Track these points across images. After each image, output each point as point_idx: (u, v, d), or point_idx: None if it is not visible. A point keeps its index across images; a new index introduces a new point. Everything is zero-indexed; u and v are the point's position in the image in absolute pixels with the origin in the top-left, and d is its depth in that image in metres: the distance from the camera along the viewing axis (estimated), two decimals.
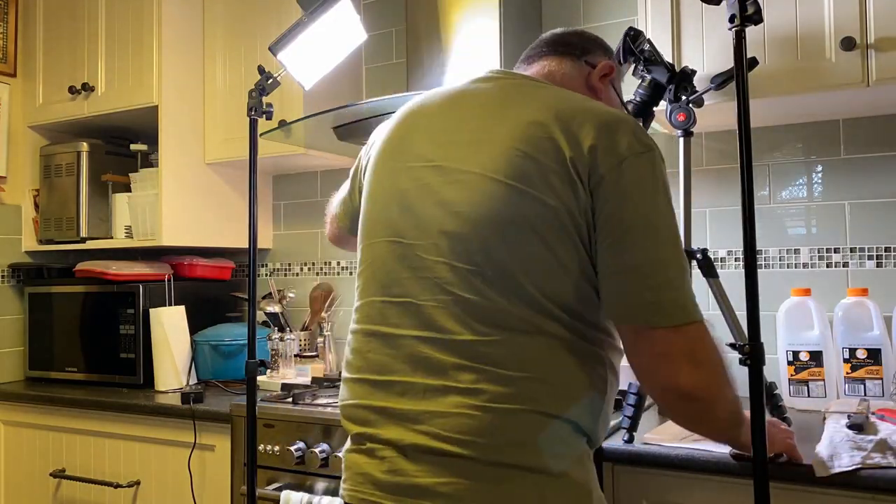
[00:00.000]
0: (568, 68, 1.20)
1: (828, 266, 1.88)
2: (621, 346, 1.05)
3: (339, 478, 1.13)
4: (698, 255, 1.52)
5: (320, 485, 1.75)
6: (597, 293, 1.00)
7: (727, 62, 1.53)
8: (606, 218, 0.97)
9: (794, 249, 1.92)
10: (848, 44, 1.53)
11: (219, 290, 2.64)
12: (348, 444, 1.10)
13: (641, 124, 1.58)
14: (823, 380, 1.68)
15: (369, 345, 1.06)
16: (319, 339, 2.42)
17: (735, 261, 1.98)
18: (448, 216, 1.01)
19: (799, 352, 1.70)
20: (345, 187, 1.36)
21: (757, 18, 1.14)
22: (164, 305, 2.36)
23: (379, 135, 1.19)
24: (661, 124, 1.85)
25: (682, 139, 1.56)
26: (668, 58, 1.60)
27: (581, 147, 0.97)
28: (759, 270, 1.19)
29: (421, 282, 1.01)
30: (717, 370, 1.01)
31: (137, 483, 2.11)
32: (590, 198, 0.97)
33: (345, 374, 1.11)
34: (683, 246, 1.03)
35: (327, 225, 1.47)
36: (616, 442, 1.45)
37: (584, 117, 1.00)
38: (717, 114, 1.74)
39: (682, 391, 0.97)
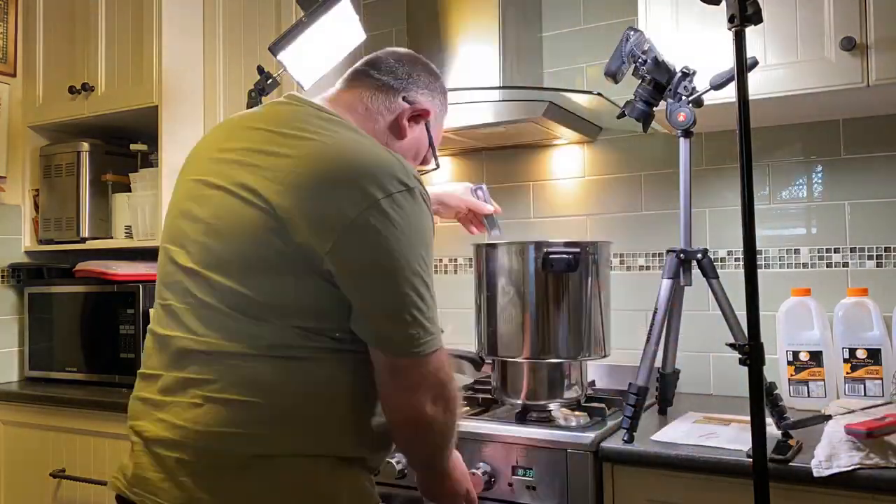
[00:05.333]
0: (378, 104, 1.20)
1: (828, 266, 1.88)
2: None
3: None
4: (698, 255, 1.52)
5: None
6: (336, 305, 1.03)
7: (727, 62, 1.53)
8: (347, 265, 1.00)
9: (794, 249, 1.92)
10: (848, 44, 1.53)
11: None
12: None
13: (642, 122, 1.58)
14: (823, 380, 1.68)
15: (148, 343, 1.14)
16: None
17: (735, 261, 1.98)
18: (193, 227, 1.08)
19: (799, 352, 1.70)
20: None
21: (757, 18, 1.14)
22: None
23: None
24: (661, 124, 1.85)
25: (682, 139, 1.56)
26: (668, 58, 1.60)
27: (328, 202, 1.00)
28: (759, 270, 1.19)
29: (172, 286, 1.09)
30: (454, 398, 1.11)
31: None
32: (332, 244, 0.99)
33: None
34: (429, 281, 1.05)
35: None
36: (616, 442, 1.45)
37: (339, 171, 1.02)
38: (717, 114, 1.74)
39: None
